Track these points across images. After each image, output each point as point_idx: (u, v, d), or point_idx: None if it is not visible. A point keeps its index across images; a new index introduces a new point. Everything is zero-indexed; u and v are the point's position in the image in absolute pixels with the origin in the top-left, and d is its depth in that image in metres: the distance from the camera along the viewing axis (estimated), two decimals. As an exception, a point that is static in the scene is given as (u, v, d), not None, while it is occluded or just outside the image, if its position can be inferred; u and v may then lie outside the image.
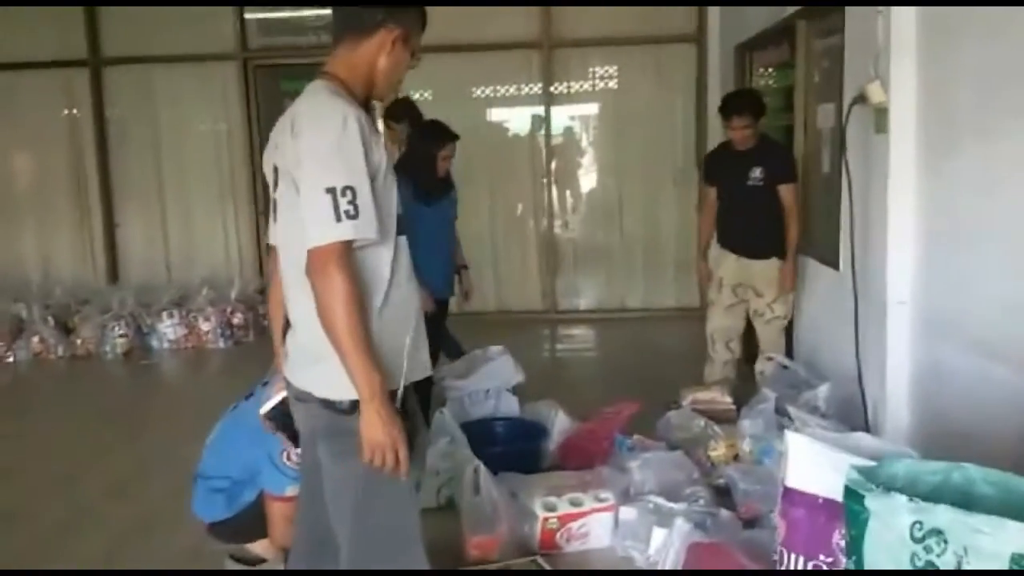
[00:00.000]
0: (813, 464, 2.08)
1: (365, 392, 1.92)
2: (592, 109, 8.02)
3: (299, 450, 2.38)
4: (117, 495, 4.11)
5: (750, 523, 3.29)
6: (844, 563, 1.99)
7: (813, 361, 4.61)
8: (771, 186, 4.53)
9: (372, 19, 2.09)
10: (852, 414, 3.83)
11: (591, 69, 7.74)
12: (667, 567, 3.00)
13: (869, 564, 1.74)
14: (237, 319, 7.23)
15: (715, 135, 6.87)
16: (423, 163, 4.38)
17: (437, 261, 4.35)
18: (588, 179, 8.22)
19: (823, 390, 3.92)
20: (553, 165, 7.91)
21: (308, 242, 1.91)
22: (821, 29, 4.65)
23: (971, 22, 3.03)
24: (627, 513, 3.36)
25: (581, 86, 7.79)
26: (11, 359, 6.93)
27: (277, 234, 2.15)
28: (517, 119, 7.98)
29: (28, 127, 8.05)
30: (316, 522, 2.24)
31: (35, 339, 6.99)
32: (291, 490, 2.82)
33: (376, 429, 1.93)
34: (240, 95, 7.71)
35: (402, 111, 5.37)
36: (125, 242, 8.08)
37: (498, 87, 7.83)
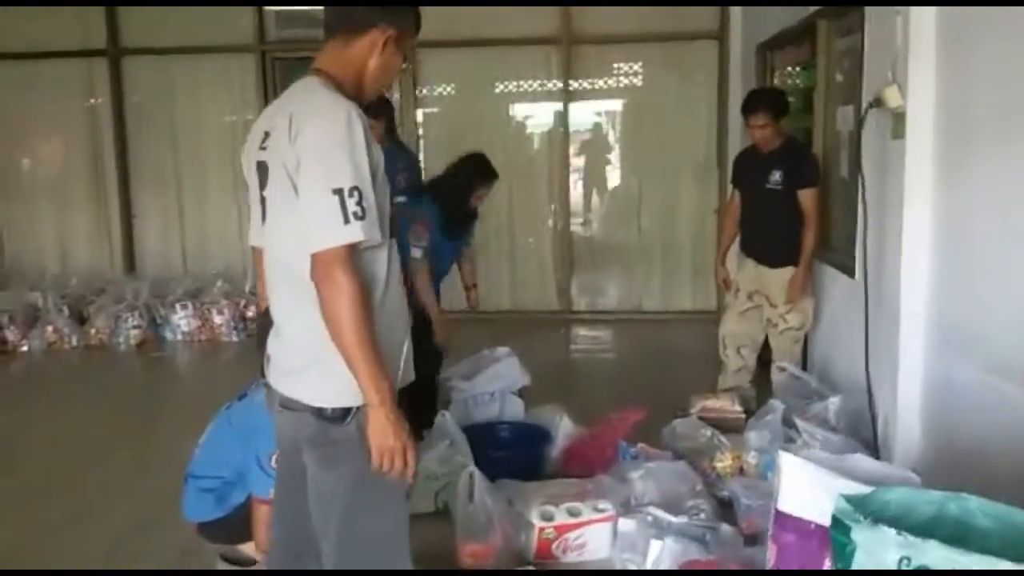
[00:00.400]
0: (806, 488, 1.98)
1: (375, 398, 1.88)
2: (612, 106, 7.91)
3: None
4: (119, 489, 4.09)
5: (752, 539, 3.20)
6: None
7: (827, 371, 4.50)
8: (790, 190, 4.39)
9: (366, 18, 2.04)
10: (863, 428, 3.72)
11: (611, 66, 7.62)
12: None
13: (857, 598, 1.65)
14: (251, 312, 7.21)
15: (736, 135, 6.78)
16: (458, 194, 4.35)
17: (435, 284, 4.39)
18: (606, 177, 8.12)
19: (834, 402, 3.82)
20: (571, 162, 7.81)
21: (313, 245, 1.86)
22: (841, 29, 4.53)
23: (993, 24, 2.91)
24: (626, 525, 3.28)
25: (601, 83, 7.67)
26: (25, 348, 6.96)
27: (264, 235, 2.09)
28: (536, 115, 7.89)
29: (48, 116, 8.05)
30: (295, 529, 2.19)
31: (49, 328, 7.02)
32: (278, 493, 2.77)
33: (386, 434, 1.90)
34: (258, 87, 7.67)
35: (380, 108, 5.33)
36: (142, 233, 8.08)
37: (517, 83, 7.73)
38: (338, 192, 1.82)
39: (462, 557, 3.19)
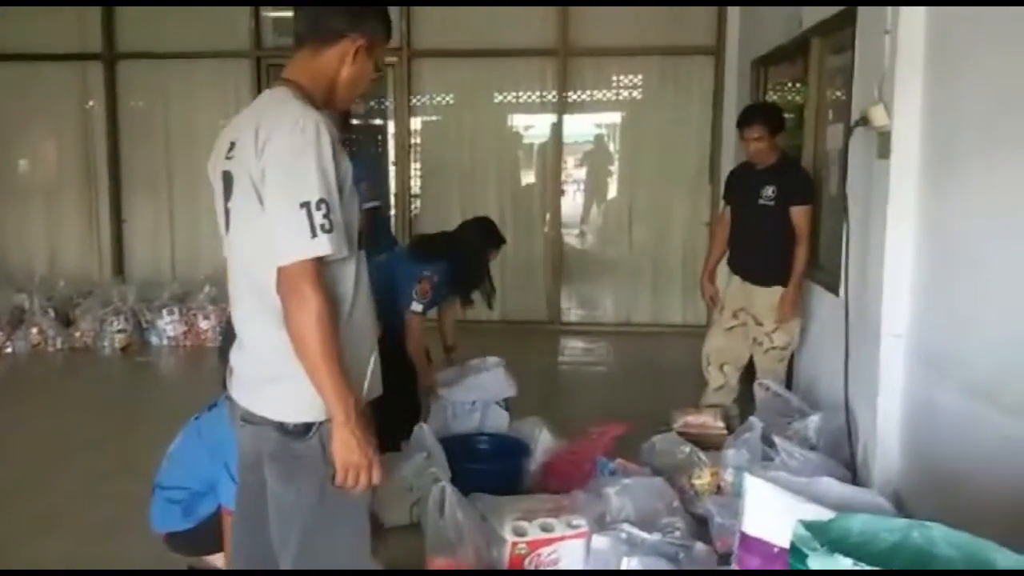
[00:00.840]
0: (771, 511, 1.95)
1: (340, 414, 1.85)
2: (607, 119, 7.94)
3: None
4: (92, 493, 4.06)
5: (726, 558, 3.15)
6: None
7: (811, 389, 4.46)
8: (783, 207, 4.33)
9: (336, 27, 2.01)
10: (843, 447, 3.68)
11: (607, 79, 7.62)
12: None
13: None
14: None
15: (730, 150, 6.77)
16: (477, 263, 4.38)
17: None
18: (599, 189, 8.12)
19: (814, 420, 3.77)
20: (564, 174, 7.80)
21: (279, 259, 1.82)
22: (834, 46, 4.51)
23: (981, 45, 2.88)
24: (599, 542, 3.22)
25: (597, 95, 7.66)
26: (9, 349, 6.90)
27: (227, 246, 2.05)
28: (531, 126, 7.90)
29: (42, 119, 8.06)
30: (255, 545, 2.15)
31: (34, 330, 6.97)
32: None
33: (351, 451, 1.86)
34: (252, 94, 7.62)
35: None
36: (131, 237, 8.05)
37: (513, 94, 7.71)
38: (305, 205, 1.79)
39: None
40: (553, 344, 7.41)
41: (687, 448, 3.90)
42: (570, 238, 7.99)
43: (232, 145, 1.96)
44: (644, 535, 3.19)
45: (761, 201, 4.39)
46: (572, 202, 8.06)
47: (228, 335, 2.22)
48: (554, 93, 7.52)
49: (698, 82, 7.40)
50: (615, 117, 7.87)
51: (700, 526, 3.43)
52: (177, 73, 7.84)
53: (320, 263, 1.82)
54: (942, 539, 1.68)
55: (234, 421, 2.12)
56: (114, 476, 4.23)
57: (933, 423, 3.13)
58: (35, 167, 8.22)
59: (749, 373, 4.69)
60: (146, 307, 7.17)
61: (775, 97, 5.86)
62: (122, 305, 7.08)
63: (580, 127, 7.89)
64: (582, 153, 8.08)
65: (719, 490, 3.69)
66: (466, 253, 4.37)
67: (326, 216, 1.80)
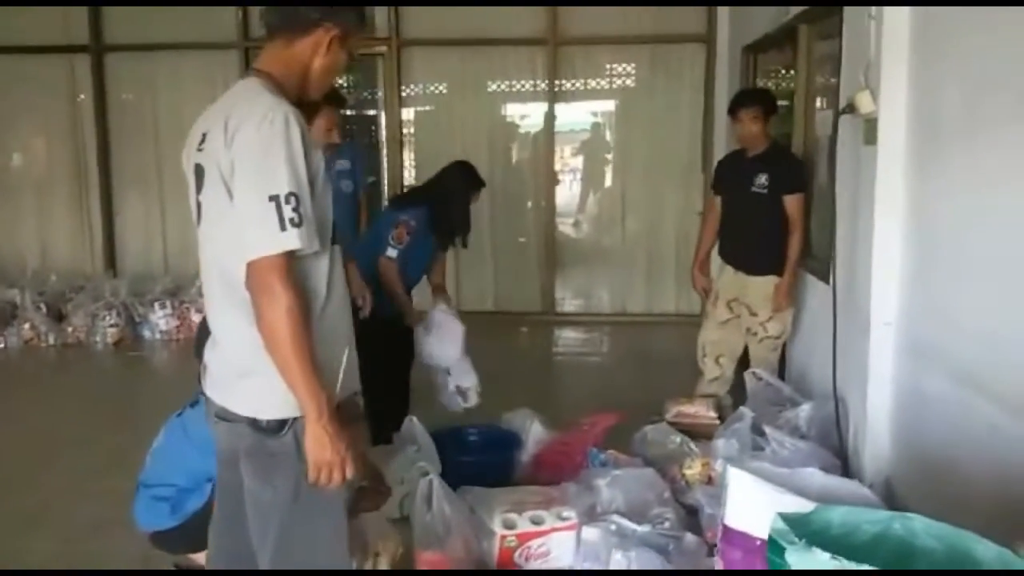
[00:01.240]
0: (753, 503, 1.93)
1: (312, 411, 1.83)
2: (598, 107, 7.89)
3: None
4: (80, 490, 4.04)
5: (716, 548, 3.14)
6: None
7: (803, 378, 4.45)
8: (775, 195, 4.29)
9: (309, 17, 1.98)
10: (834, 436, 3.66)
11: (598, 67, 7.60)
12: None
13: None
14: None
15: (721, 138, 6.74)
16: (459, 203, 4.34)
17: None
18: (592, 178, 8.09)
19: (804, 410, 3.76)
20: (556, 163, 7.76)
21: (248, 253, 1.80)
22: (822, 33, 4.48)
23: (965, 29, 2.86)
24: (589, 533, 3.22)
25: (588, 84, 7.65)
26: (1, 345, 6.87)
27: (199, 240, 2.04)
28: (522, 115, 7.86)
29: (30, 112, 8.00)
30: (235, 543, 2.14)
31: (26, 326, 6.94)
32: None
33: (324, 447, 1.85)
34: (241, 85, 7.60)
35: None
36: (123, 231, 8.02)
37: (504, 83, 7.68)
38: (274, 198, 1.77)
39: (419, 566, 3.13)
40: (547, 334, 7.40)
41: (678, 438, 3.88)
42: (563, 227, 7.96)
43: (203, 137, 1.94)
44: (634, 526, 3.18)
45: (754, 189, 4.35)
46: (565, 191, 8.02)
47: (203, 331, 2.21)
48: (545, 82, 7.49)
49: (689, 70, 7.37)
50: (607, 106, 7.83)
51: (691, 516, 3.42)
52: (166, 65, 7.79)
53: (290, 257, 1.80)
54: (923, 530, 1.66)
55: (209, 418, 2.10)
56: (104, 472, 4.22)
57: (923, 412, 3.12)
58: (25, 161, 8.18)
59: (742, 362, 4.68)
60: (138, 301, 7.14)
61: (766, 84, 5.83)
62: (114, 300, 7.06)
63: (572, 116, 7.84)
64: (574, 142, 8.04)
65: (710, 480, 3.68)
66: (445, 196, 4.33)
67: (295, 210, 1.78)
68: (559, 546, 3.23)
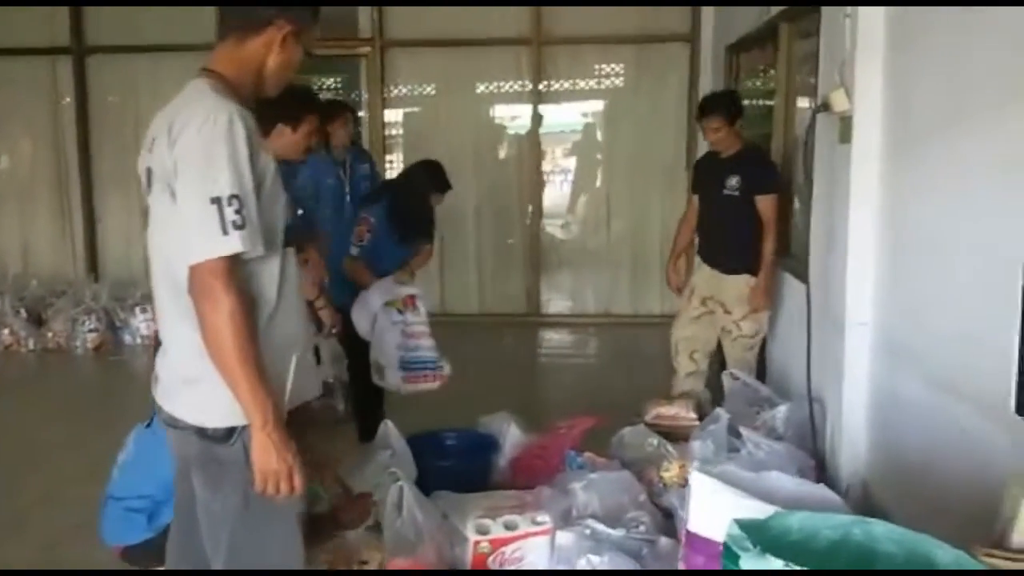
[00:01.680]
0: (715, 508, 1.90)
1: (257, 419, 1.79)
2: (583, 108, 7.87)
3: None
4: (59, 497, 4.00)
5: (691, 553, 3.10)
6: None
7: (782, 379, 4.42)
8: (747, 197, 4.32)
9: (260, 15, 1.94)
10: (810, 436, 3.63)
11: (583, 68, 7.57)
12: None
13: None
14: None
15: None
16: (415, 203, 4.33)
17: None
18: (577, 179, 8.07)
19: (781, 411, 3.73)
20: (541, 164, 7.73)
21: (190, 257, 1.76)
22: (801, 31, 4.46)
23: (940, 26, 2.82)
24: (563, 538, 3.17)
25: (572, 85, 7.63)
26: (-19, 350, 6.82)
27: (150, 245, 2.00)
28: (506, 116, 7.83)
29: (10, 115, 7.93)
30: (191, 554, 2.10)
31: (6, 331, 6.90)
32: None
33: (270, 457, 1.81)
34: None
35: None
36: (105, 235, 7.96)
37: (488, 84, 7.66)
38: (216, 201, 1.73)
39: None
40: (532, 336, 7.37)
41: (655, 440, 3.84)
42: (548, 229, 7.92)
43: (153, 140, 1.90)
44: (609, 531, 3.15)
45: (726, 191, 4.38)
46: (550, 192, 7.98)
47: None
48: (529, 83, 7.46)
49: (674, 70, 7.35)
50: (592, 106, 7.81)
51: (668, 519, 3.37)
52: (148, 67, 7.72)
53: (235, 261, 1.76)
54: (884, 535, 1.63)
55: (161, 427, 2.06)
56: (84, 478, 4.14)
57: (898, 414, 3.09)
58: (5, 165, 8.12)
59: (721, 363, 4.66)
60: (119, 306, 7.08)
61: (748, 84, 5.81)
62: (95, 304, 6.99)
63: (557, 116, 7.80)
64: (559, 143, 8.01)
65: (687, 483, 3.64)
66: (405, 193, 4.35)
67: (238, 212, 1.74)
68: (533, 551, 3.19)
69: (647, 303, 7.67)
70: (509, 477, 3.90)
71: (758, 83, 5.58)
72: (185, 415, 1.92)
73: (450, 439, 4.17)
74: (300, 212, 3.69)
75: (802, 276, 4.14)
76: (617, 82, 7.61)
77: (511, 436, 4.07)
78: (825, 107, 3.36)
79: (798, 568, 1.41)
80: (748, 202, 4.31)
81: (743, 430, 3.50)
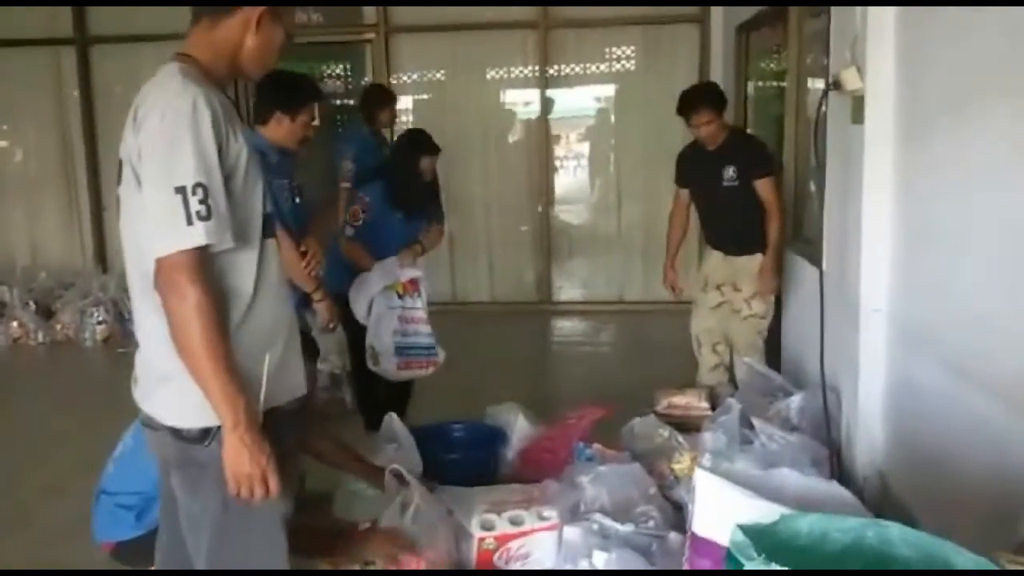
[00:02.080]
0: (722, 509, 1.81)
1: (228, 420, 1.72)
2: (592, 92, 7.74)
3: None
4: (63, 490, 3.97)
5: (702, 547, 3.02)
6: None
7: (797, 367, 4.32)
8: (747, 184, 4.22)
9: None
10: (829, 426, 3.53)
11: (590, 51, 7.44)
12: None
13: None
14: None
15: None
16: (401, 172, 4.25)
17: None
18: (587, 164, 7.95)
19: (795, 400, 3.61)
20: (550, 150, 7.61)
21: (155, 250, 1.69)
22: (812, 10, 4.32)
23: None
24: (571, 533, 3.08)
25: (580, 69, 7.50)
26: (-10, 343, 6.80)
27: (122, 236, 1.92)
28: (514, 101, 7.72)
29: (16, 107, 7.90)
30: (177, 555, 2.03)
31: (14, 324, 6.86)
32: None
33: (242, 459, 1.73)
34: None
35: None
36: (112, 226, 7.88)
37: (495, 68, 7.55)
38: (181, 190, 1.66)
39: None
40: (544, 324, 7.28)
41: (666, 432, 3.74)
42: (559, 215, 7.80)
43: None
44: (617, 526, 3.06)
45: (725, 183, 4.27)
46: (561, 178, 7.87)
47: None
48: (536, 67, 7.35)
49: (684, 52, 7.21)
50: (601, 90, 7.68)
51: (679, 513, 3.28)
52: (152, 57, 7.61)
53: (202, 254, 1.68)
54: (899, 539, 1.54)
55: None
56: (87, 471, 4.11)
57: (915, 403, 2.99)
58: (12, 157, 8.07)
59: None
60: (127, 297, 7.00)
61: (759, 65, 5.68)
62: (103, 296, 6.95)
63: (566, 101, 7.68)
64: (568, 128, 7.89)
65: (698, 475, 3.56)
66: (397, 167, 4.30)
67: (203, 202, 1.66)
68: (540, 547, 3.12)
69: (660, 289, 7.49)
70: (517, 469, 3.82)
71: (770, 64, 5.45)
72: (159, 415, 1.85)
73: (457, 431, 4.09)
74: (297, 201, 3.61)
75: (816, 261, 4.05)
76: (626, 65, 7.47)
77: (519, 428, 3.98)
78: (836, 86, 3.24)
79: (807, 569, 1.32)
80: (749, 189, 4.22)
81: (756, 421, 3.41)
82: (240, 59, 1.90)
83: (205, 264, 1.69)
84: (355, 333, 4.31)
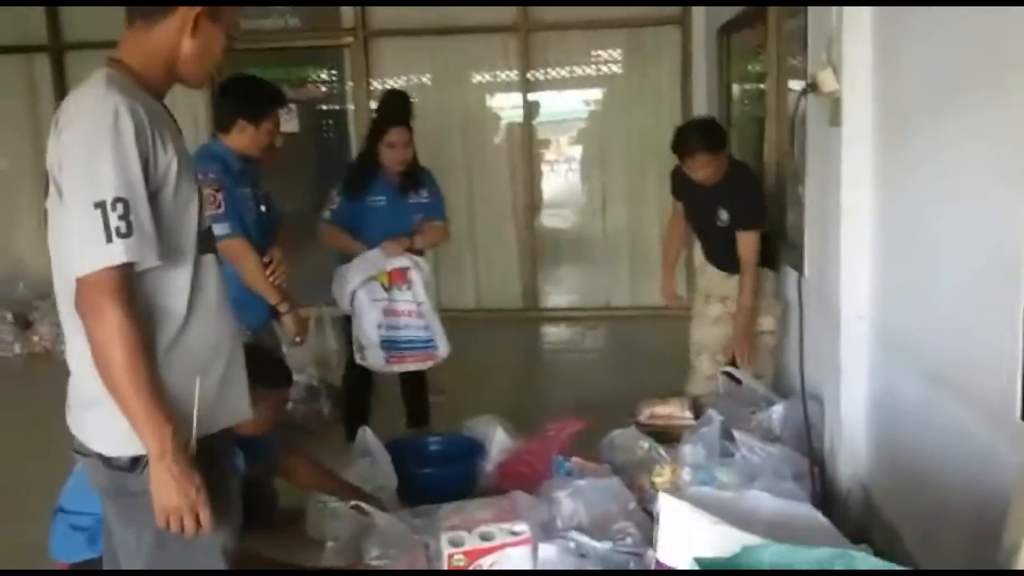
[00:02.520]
0: (687, 535, 1.72)
1: (154, 449, 1.62)
2: (573, 96, 7.65)
3: None
4: (16, 511, 3.88)
5: (680, 566, 2.93)
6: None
7: (782, 376, 4.22)
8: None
9: None
10: (811, 437, 3.43)
11: (571, 54, 7.35)
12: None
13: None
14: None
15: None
16: (364, 149, 4.26)
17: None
18: (570, 169, 7.88)
19: (777, 410, 3.54)
20: (534, 155, 7.52)
21: (75, 269, 1.60)
22: (791, 9, 4.24)
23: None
24: (547, 551, 2.99)
25: (561, 72, 7.41)
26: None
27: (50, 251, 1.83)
28: (495, 106, 7.61)
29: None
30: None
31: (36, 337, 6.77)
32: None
33: (169, 491, 1.64)
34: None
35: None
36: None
37: (476, 73, 7.46)
38: (100, 205, 1.57)
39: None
40: (530, 332, 7.18)
41: (646, 444, 3.66)
42: (544, 220, 7.70)
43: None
44: (594, 544, 2.97)
45: (719, 224, 4.06)
46: (544, 183, 7.77)
47: None
48: (517, 71, 7.26)
49: (666, 54, 7.12)
50: (583, 94, 7.59)
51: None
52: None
53: (124, 273, 1.59)
54: (867, 569, 1.45)
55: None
56: (54, 484, 4.04)
57: (898, 414, 2.89)
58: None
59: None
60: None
61: (740, 66, 5.60)
62: (80, 308, 6.83)
63: (548, 105, 7.58)
64: (551, 132, 7.80)
65: (679, 489, 3.46)
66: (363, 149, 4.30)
67: (123, 217, 1.57)
68: (512, 563, 2.99)
69: (648, 295, 7.43)
70: (496, 483, 3.73)
71: (753, 66, 5.36)
72: (88, 441, 1.77)
73: (433, 444, 4.02)
74: (264, 209, 3.52)
75: (797, 266, 3.96)
76: (608, 68, 7.39)
77: (498, 440, 3.91)
78: (813, 88, 3.16)
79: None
80: None
81: (736, 433, 3.33)
82: (177, 64, 1.81)
83: (128, 283, 1.60)
84: (348, 330, 4.27)
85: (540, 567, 2.99)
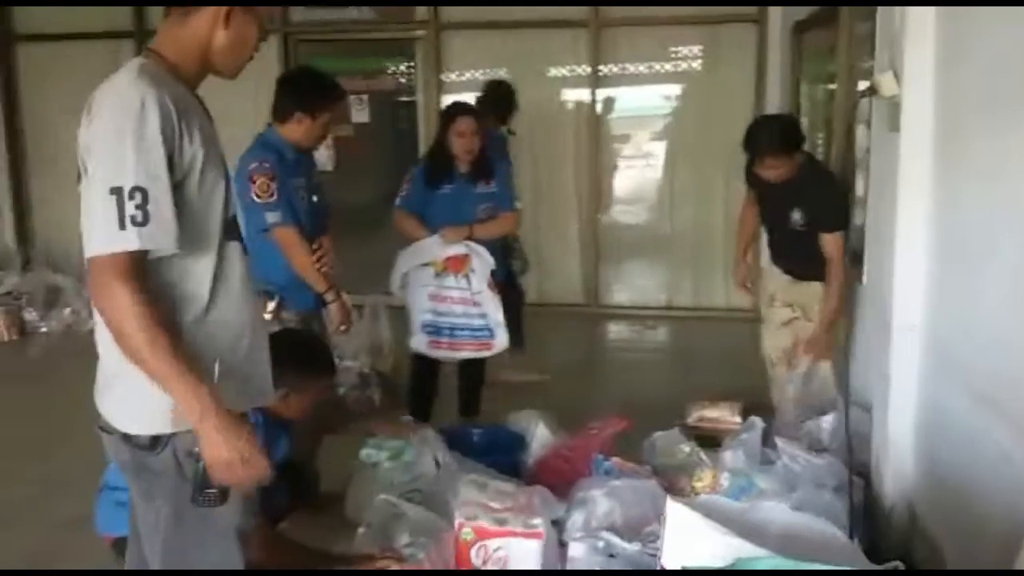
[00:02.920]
0: (692, 545, 1.69)
1: (195, 412, 1.65)
2: (644, 92, 7.55)
3: None
4: (73, 482, 3.93)
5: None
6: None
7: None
8: (815, 230, 3.81)
9: None
10: (863, 449, 3.32)
11: (642, 50, 7.25)
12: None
13: None
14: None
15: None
16: (437, 143, 4.26)
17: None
18: (637, 165, 7.77)
19: (827, 420, 3.46)
20: (601, 150, 7.46)
21: (87, 249, 1.65)
22: (862, 12, 4.11)
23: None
24: (576, 550, 2.97)
25: (632, 68, 7.32)
26: (44, 329, 6.96)
27: None
28: (565, 101, 7.56)
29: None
30: (142, 557, 1.99)
31: (67, 310, 7.00)
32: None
33: (218, 447, 1.67)
34: (280, 71, 7.50)
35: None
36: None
37: (546, 67, 7.42)
38: (116, 191, 1.60)
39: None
40: (589, 328, 7.14)
41: (687, 447, 3.62)
42: (609, 217, 7.64)
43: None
44: (624, 544, 2.93)
45: (791, 227, 3.89)
46: (611, 179, 7.70)
47: None
48: (587, 66, 7.21)
49: (741, 52, 6.96)
50: (654, 91, 7.49)
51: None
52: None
53: (135, 259, 1.63)
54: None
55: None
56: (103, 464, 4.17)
57: (944, 430, 2.80)
58: (71, 143, 8.24)
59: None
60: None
61: (811, 67, 5.46)
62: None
63: (618, 101, 7.50)
64: (620, 128, 7.71)
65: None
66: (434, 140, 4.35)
67: (140, 207, 1.60)
68: (518, 554, 2.93)
69: (711, 296, 7.36)
70: (534, 477, 3.72)
71: (821, 66, 5.23)
72: (111, 419, 1.81)
73: (476, 435, 4.03)
74: (315, 199, 3.57)
75: (859, 274, 3.84)
76: (681, 66, 7.28)
77: (539, 435, 3.90)
78: (873, 91, 3.06)
79: None
80: (816, 234, 3.82)
81: (779, 440, 3.26)
82: (210, 55, 1.84)
83: (138, 267, 1.63)
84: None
85: (568, 566, 2.98)
